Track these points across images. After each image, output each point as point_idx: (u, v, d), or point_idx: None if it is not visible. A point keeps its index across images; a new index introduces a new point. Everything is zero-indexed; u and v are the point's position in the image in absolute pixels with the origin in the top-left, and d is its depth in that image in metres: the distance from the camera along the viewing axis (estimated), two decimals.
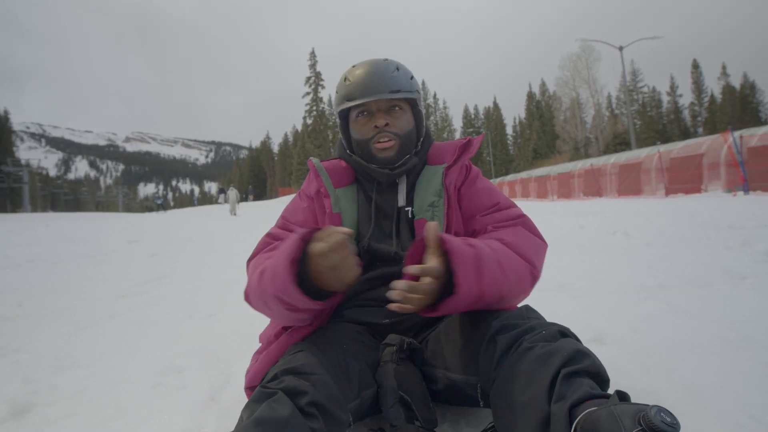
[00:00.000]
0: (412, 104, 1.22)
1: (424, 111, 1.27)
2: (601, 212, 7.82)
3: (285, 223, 1.23)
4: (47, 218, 22.34)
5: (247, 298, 1.05)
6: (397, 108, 1.17)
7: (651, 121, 49.65)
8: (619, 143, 37.74)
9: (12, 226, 12.70)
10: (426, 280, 0.87)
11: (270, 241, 1.18)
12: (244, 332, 1.72)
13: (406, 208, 1.18)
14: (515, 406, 0.76)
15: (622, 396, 0.70)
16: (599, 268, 2.84)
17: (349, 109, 1.20)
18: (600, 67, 41.95)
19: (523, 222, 1.13)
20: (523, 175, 30.37)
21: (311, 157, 1.26)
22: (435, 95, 68.87)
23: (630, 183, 16.54)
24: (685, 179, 13.69)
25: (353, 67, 1.21)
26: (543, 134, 53.95)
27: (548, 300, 2.12)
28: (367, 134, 1.17)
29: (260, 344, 1.20)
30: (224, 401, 1.28)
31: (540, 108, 58.68)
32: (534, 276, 1.03)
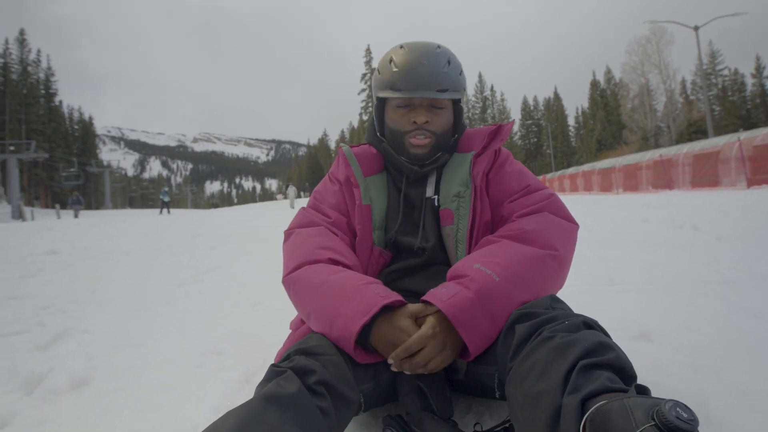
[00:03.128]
0: (455, 100, 1.17)
1: (465, 108, 1.23)
2: (669, 205, 7.27)
3: (317, 205, 1.23)
4: (125, 214, 24.26)
5: (288, 287, 1.08)
6: (439, 107, 1.13)
7: (732, 107, 45.34)
8: (695, 131, 34.84)
9: (95, 222, 13.92)
10: (427, 348, 0.88)
11: (307, 214, 1.21)
12: (286, 319, 1.77)
13: (433, 197, 1.16)
14: (528, 397, 0.72)
15: (642, 390, 0.65)
16: (657, 263, 2.65)
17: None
18: (672, 50, 38.69)
19: (549, 204, 1.09)
20: (586, 167, 28.84)
21: (342, 144, 1.24)
22: (492, 87, 67.09)
23: (705, 174, 15.22)
24: None
25: (401, 48, 1.14)
26: (608, 124, 51.00)
27: (595, 294, 2.01)
28: (404, 127, 1.13)
29: (290, 331, 1.24)
30: (258, 383, 1.33)
31: (605, 96, 55.52)
32: (556, 259, 0.99)
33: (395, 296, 0.94)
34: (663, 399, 0.57)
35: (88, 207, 54.71)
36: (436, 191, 1.17)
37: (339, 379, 0.82)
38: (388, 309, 0.93)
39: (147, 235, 8.02)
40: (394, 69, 1.10)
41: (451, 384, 1.00)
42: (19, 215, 25.59)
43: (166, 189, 28.87)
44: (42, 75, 54.32)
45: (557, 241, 1.01)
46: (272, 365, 0.83)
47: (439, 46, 1.13)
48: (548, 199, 1.10)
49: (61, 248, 5.95)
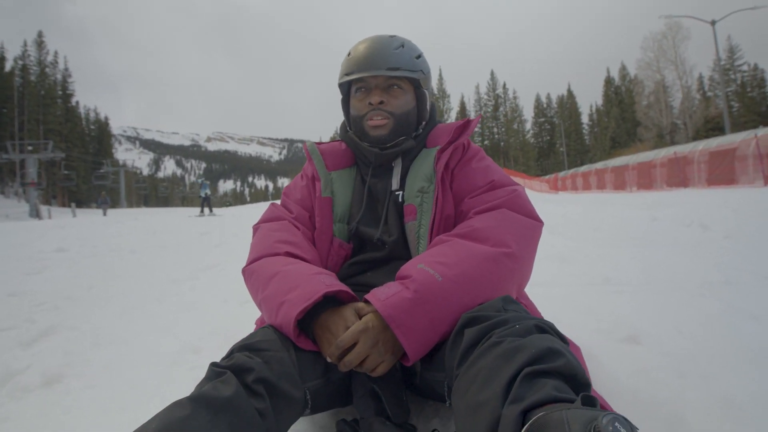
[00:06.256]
0: (416, 84, 1.17)
1: (429, 93, 1.21)
2: (681, 203, 7.09)
3: (284, 200, 1.26)
4: (138, 213, 24.59)
5: (246, 277, 1.10)
6: (396, 87, 1.13)
7: (752, 103, 44.17)
8: (712, 128, 34.08)
9: (107, 221, 14.14)
10: (359, 344, 0.85)
11: (274, 210, 1.23)
12: None
13: (397, 192, 1.14)
14: (470, 407, 0.67)
15: (588, 401, 0.59)
16: (659, 262, 2.56)
17: (350, 85, 1.18)
18: (689, 46, 37.95)
19: (509, 200, 1.04)
20: (599, 165, 28.39)
21: (306, 141, 1.25)
22: (504, 85, 66.29)
23: (722, 172, 14.88)
24: None
25: (359, 42, 1.19)
26: (622, 122, 50.25)
27: (588, 295, 1.95)
28: (361, 110, 1.15)
29: (255, 327, 1.22)
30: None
31: (619, 93, 54.64)
32: (510, 257, 0.93)
33: (341, 286, 0.92)
34: (603, 411, 0.52)
35: None
36: (402, 186, 1.14)
37: (280, 376, 0.79)
38: (336, 302, 0.92)
39: (155, 234, 8.09)
40: (350, 57, 1.15)
41: (412, 389, 0.96)
42: (36, 214, 26.12)
43: (204, 179, 19.36)
44: (59, 76, 55.39)
45: (512, 238, 0.95)
46: (212, 364, 0.80)
47: (393, 36, 1.16)
48: (509, 195, 1.05)
49: (69, 246, 6.02)
